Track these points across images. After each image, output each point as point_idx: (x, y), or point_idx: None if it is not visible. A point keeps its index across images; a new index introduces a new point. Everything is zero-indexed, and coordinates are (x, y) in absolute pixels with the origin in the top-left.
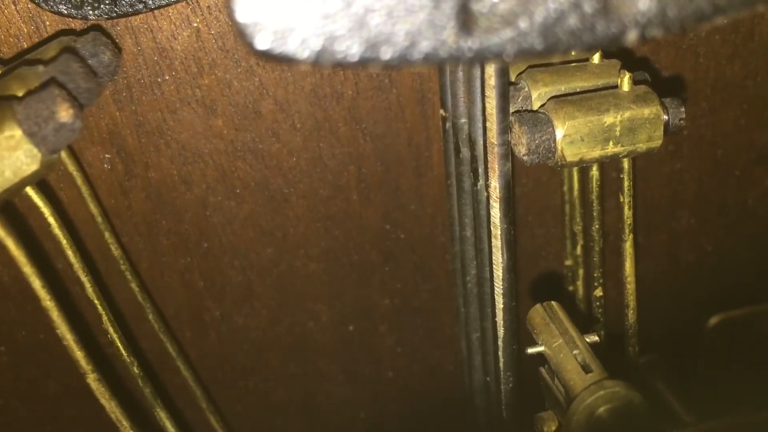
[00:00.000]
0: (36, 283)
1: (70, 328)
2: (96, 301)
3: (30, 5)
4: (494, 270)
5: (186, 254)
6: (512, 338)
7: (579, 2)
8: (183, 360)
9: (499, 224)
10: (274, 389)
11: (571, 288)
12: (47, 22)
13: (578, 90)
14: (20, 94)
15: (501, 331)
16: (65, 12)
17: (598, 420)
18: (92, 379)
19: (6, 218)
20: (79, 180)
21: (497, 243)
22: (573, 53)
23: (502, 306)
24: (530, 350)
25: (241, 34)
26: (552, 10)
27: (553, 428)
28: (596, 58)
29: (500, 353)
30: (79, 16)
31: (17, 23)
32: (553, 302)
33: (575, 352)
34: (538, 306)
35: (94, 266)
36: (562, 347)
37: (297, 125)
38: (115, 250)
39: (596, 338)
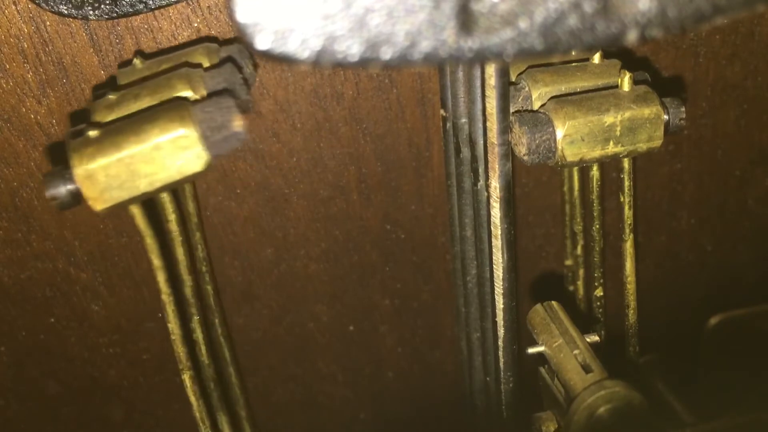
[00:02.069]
0: (161, 276)
1: (180, 324)
2: (191, 299)
3: (30, 5)
4: (494, 270)
5: None
6: (512, 338)
7: (579, 2)
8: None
9: (499, 224)
10: (274, 389)
11: (571, 288)
12: (47, 23)
13: (578, 90)
14: (187, 94)
15: (501, 331)
16: (66, 12)
17: (598, 420)
18: (188, 376)
19: (147, 212)
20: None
21: (497, 243)
22: (573, 53)
23: (502, 306)
24: (530, 350)
25: (241, 35)
26: (552, 10)
27: (552, 428)
28: (596, 58)
29: (500, 353)
30: (80, 17)
31: (17, 23)
32: (553, 302)
33: (575, 352)
34: (538, 306)
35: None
36: (563, 347)
37: (297, 125)
38: (201, 252)
39: (596, 338)
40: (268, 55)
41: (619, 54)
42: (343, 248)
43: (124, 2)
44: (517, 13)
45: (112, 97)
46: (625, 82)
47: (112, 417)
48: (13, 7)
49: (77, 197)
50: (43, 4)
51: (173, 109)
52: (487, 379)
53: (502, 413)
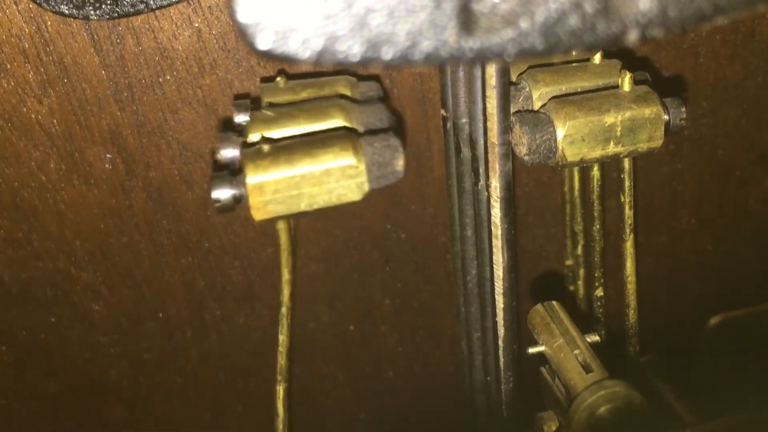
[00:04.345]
0: (287, 290)
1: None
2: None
3: (31, 5)
4: (495, 270)
5: (187, 254)
6: (513, 338)
7: (580, 2)
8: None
9: (499, 224)
10: (275, 389)
11: (571, 288)
12: (48, 23)
13: (579, 90)
14: (346, 124)
15: (502, 331)
16: (67, 12)
17: (598, 419)
18: (283, 387)
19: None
20: None
21: (498, 243)
22: (574, 53)
23: (502, 306)
24: (531, 350)
25: (242, 35)
26: (553, 10)
27: (554, 428)
28: (597, 58)
29: (501, 353)
30: (81, 17)
31: (18, 23)
32: (553, 302)
33: (576, 351)
34: (538, 306)
35: None
36: (563, 347)
37: None
38: None
39: (597, 338)
40: (270, 55)
41: (620, 54)
42: (343, 248)
43: (125, 2)
44: (518, 13)
45: (269, 113)
46: (626, 82)
47: (112, 417)
48: (14, 7)
49: (238, 203)
50: (45, 4)
51: (345, 139)
52: (488, 378)
53: (502, 413)
